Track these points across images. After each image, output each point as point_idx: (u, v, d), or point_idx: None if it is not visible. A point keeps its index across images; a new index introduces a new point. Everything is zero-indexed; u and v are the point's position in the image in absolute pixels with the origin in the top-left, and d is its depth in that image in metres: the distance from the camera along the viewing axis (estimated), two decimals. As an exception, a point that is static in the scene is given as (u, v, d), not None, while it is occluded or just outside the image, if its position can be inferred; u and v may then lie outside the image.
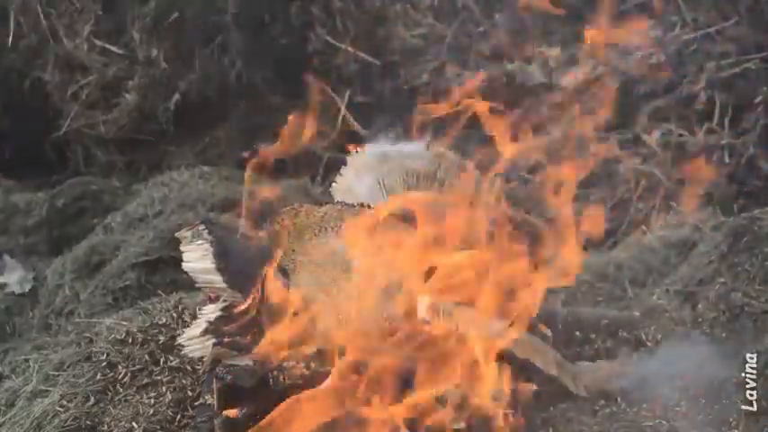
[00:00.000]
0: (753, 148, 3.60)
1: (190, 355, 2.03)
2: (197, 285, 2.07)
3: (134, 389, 2.20)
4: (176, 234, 2.15)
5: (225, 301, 2.00)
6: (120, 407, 2.16)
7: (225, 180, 3.65)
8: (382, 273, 1.90)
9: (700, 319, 2.32)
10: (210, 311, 2.00)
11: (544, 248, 1.99)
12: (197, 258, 2.02)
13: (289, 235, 2.01)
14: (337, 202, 2.11)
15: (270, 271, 1.98)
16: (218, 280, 2.01)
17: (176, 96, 4.18)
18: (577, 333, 2.44)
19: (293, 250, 2.01)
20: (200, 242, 2.04)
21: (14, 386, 2.40)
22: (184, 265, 2.05)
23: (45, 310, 3.12)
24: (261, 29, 4.28)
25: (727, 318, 2.29)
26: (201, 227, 2.08)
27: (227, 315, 1.98)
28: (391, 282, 1.90)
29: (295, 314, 1.94)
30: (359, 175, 2.22)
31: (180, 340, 2.04)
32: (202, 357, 1.99)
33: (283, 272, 2.01)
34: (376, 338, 1.86)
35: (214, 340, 1.95)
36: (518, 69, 4.20)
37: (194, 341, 1.99)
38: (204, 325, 1.98)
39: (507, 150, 2.10)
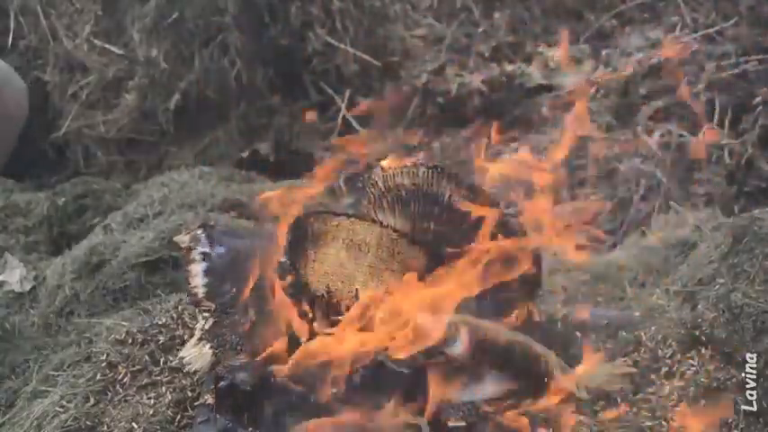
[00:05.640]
0: (753, 148, 3.60)
1: (189, 366, 2.03)
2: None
3: (134, 389, 2.20)
4: (174, 238, 2.14)
5: (219, 309, 2.00)
6: (119, 407, 2.16)
7: (225, 180, 3.64)
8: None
9: (700, 320, 2.31)
10: (205, 322, 2.01)
11: None
12: (195, 274, 2.03)
13: (308, 239, 2.01)
14: (352, 214, 2.10)
15: (273, 274, 1.99)
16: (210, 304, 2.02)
17: (176, 96, 4.18)
18: (577, 333, 2.43)
19: (309, 254, 2.01)
20: (197, 249, 2.04)
21: (14, 386, 2.40)
22: (189, 280, 2.06)
23: (45, 310, 3.12)
24: (261, 29, 4.28)
25: (727, 318, 2.29)
26: (200, 230, 2.08)
27: (222, 321, 1.98)
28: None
29: (298, 317, 1.94)
30: None
31: (181, 354, 2.05)
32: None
33: (295, 274, 2.01)
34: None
35: (210, 345, 1.95)
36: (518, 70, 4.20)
37: (192, 351, 1.99)
38: (199, 334, 1.98)
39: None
